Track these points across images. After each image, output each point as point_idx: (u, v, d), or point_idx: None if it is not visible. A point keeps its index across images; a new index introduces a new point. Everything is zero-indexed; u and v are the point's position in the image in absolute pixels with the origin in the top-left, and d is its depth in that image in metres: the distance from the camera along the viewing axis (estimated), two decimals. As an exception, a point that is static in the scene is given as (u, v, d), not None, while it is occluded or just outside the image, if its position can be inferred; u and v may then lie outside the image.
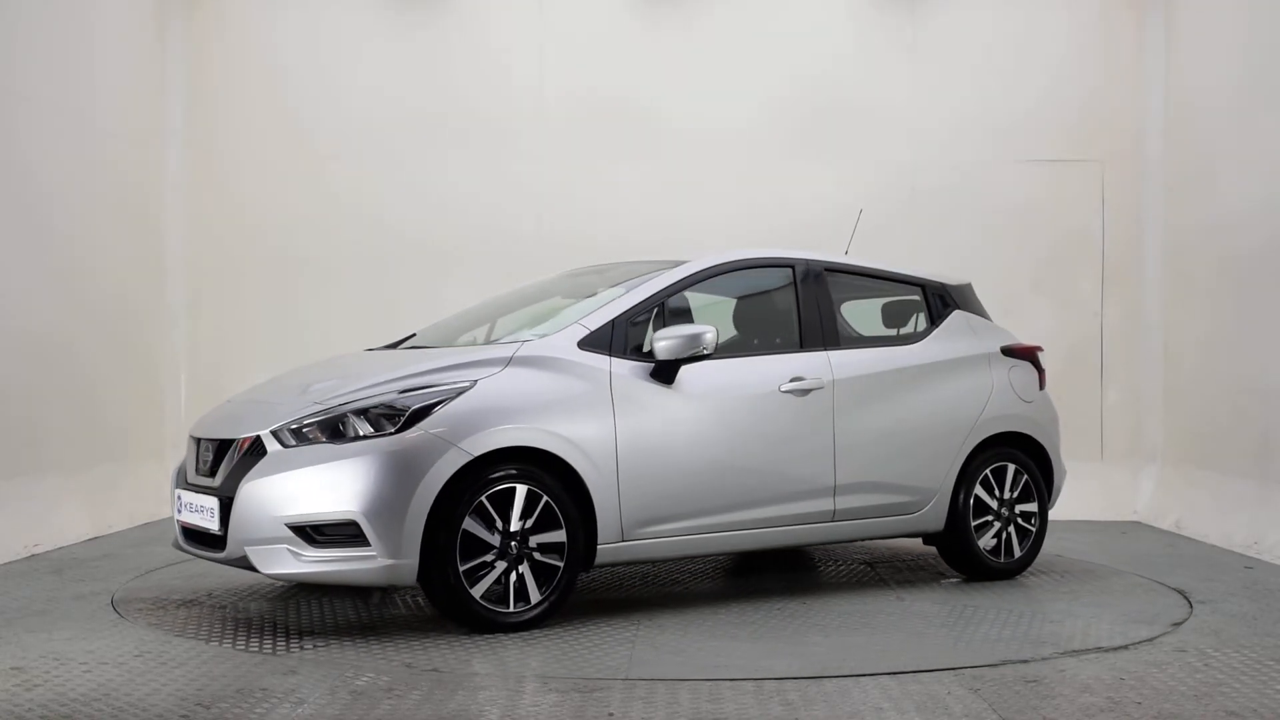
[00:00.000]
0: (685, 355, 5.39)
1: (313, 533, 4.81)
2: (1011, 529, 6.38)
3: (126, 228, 8.74)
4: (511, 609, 4.99)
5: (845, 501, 5.88)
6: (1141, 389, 9.32)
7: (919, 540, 6.89)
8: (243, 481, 4.91)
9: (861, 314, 6.48)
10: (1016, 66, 9.43)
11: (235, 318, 9.32)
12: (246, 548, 4.88)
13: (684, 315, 5.98)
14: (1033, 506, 6.46)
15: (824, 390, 5.83)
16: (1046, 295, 9.29)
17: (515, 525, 4.97)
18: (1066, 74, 9.41)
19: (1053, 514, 6.87)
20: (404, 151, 9.34)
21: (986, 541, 6.30)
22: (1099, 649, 4.83)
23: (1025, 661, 4.63)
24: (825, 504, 5.83)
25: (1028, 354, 6.69)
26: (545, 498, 5.04)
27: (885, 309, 6.62)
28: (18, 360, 7.24)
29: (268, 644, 4.84)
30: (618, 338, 5.42)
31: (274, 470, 4.87)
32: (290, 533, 4.81)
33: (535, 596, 5.04)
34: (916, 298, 6.54)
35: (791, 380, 5.76)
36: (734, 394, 5.62)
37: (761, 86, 9.39)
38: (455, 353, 5.43)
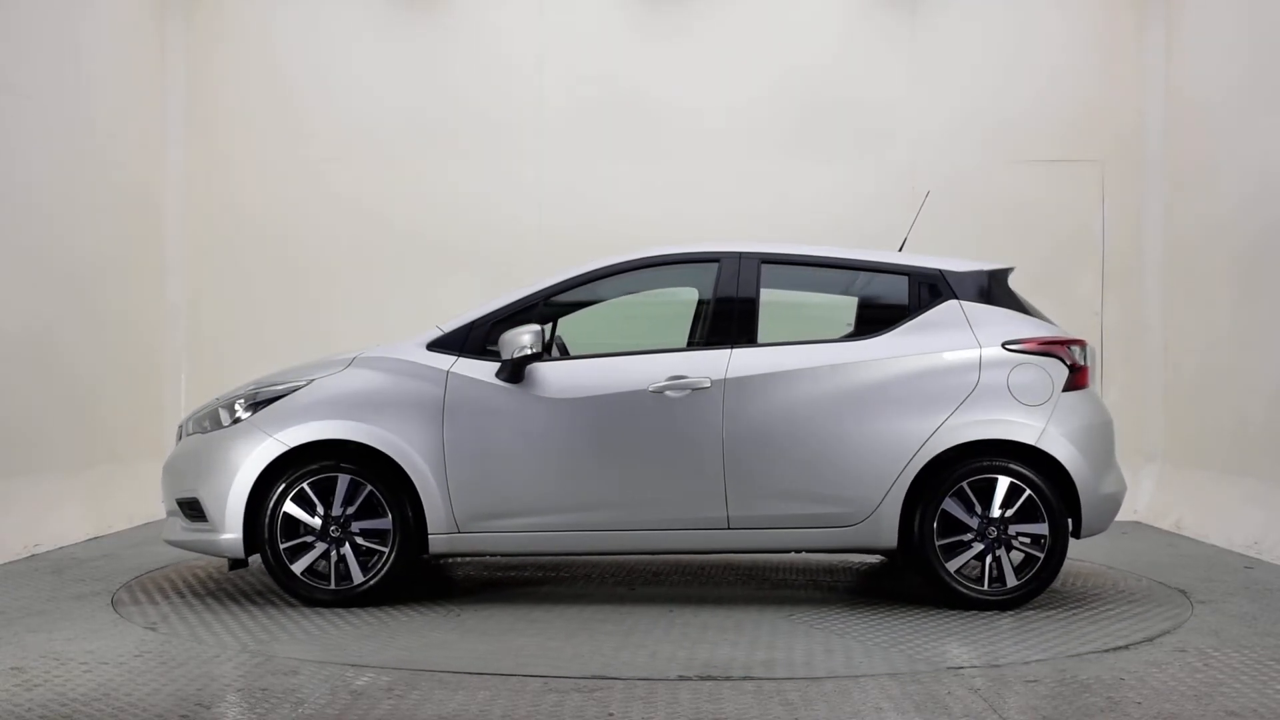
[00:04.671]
0: (517, 355, 5.46)
1: (188, 508, 5.64)
2: (1003, 553, 5.50)
3: (126, 228, 8.74)
4: (334, 586, 5.51)
5: (743, 509, 5.51)
6: (1141, 389, 9.31)
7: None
8: (164, 463, 5.93)
9: (827, 307, 6.17)
10: (1016, 66, 9.42)
11: (235, 317, 9.32)
12: (168, 518, 5.86)
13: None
14: (1041, 528, 5.50)
15: (710, 390, 5.51)
16: (1046, 295, 9.18)
17: (337, 511, 5.49)
18: (1067, 74, 9.41)
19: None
20: (404, 150, 9.34)
21: (967, 566, 5.54)
22: (1099, 649, 4.83)
23: (1025, 662, 4.63)
24: (716, 510, 5.52)
25: (1049, 350, 5.69)
26: (369, 487, 5.50)
27: (853, 302, 6.09)
28: (18, 360, 7.24)
29: (268, 644, 4.84)
30: (474, 339, 5.66)
31: (176, 454, 5.82)
32: (177, 506, 5.71)
33: (358, 577, 5.51)
34: (899, 288, 5.85)
35: (668, 379, 5.54)
36: (590, 394, 5.54)
37: (762, 85, 9.39)
38: (327, 356, 5.96)
